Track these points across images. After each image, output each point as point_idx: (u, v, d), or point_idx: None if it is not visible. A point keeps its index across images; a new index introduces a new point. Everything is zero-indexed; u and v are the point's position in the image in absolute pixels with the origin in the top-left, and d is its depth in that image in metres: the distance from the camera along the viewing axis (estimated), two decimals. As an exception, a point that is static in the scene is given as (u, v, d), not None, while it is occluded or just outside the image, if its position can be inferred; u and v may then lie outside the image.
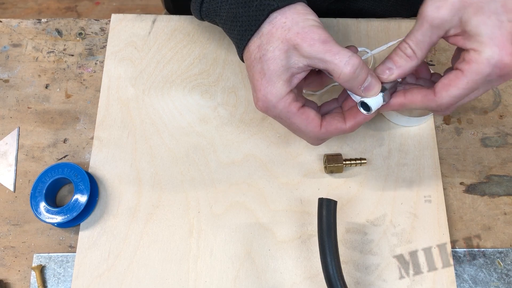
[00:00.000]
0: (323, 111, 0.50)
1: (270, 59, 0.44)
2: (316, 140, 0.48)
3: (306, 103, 0.47)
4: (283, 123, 0.47)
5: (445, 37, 0.42)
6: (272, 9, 0.44)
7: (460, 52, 0.44)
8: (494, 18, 0.38)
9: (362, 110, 0.46)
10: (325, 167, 0.56)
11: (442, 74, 0.46)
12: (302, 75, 0.45)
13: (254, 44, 0.45)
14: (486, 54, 0.39)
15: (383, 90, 0.45)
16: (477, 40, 0.39)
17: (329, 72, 0.44)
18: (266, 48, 0.44)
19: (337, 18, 0.64)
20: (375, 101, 0.45)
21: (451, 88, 0.41)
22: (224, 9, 0.48)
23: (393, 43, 0.62)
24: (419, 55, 0.43)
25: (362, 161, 0.56)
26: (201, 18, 0.53)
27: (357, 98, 0.46)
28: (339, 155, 0.55)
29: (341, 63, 0.42)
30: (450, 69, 0.46)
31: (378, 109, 0.46)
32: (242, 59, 0.49)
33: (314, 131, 0.46)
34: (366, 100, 0.45)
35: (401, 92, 0.45)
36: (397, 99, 0.45)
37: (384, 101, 0.45)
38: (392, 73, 0.43)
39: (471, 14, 0.39)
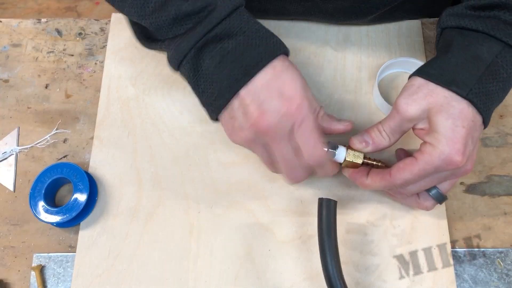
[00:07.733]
0: None
1: (296, 73, 0.46)
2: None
3: None
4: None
5: (413, 128, 0.48)
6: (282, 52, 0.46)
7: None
8: (451, 121, 0.44)
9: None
10: (345, 159, 0.50)
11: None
12: None
13: (264, 76, 0.45)
14: (438, 150, 0.44)
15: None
16: (434, 136, 0.45)
17: None
18: (287, 73, 0.46)
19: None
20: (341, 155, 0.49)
21: (404, 172, 0.46)
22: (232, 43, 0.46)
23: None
24: (392, 140, 0.49)
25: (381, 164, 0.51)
26: (177, 69, 0.49)
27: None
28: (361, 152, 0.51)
29: None
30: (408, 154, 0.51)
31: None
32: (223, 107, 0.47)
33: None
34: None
35: (365, 172, 0.50)
36: (362, 180, 0.50)
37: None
38: (367, 146, 0.49)
39: (434, 113, 0.45)
